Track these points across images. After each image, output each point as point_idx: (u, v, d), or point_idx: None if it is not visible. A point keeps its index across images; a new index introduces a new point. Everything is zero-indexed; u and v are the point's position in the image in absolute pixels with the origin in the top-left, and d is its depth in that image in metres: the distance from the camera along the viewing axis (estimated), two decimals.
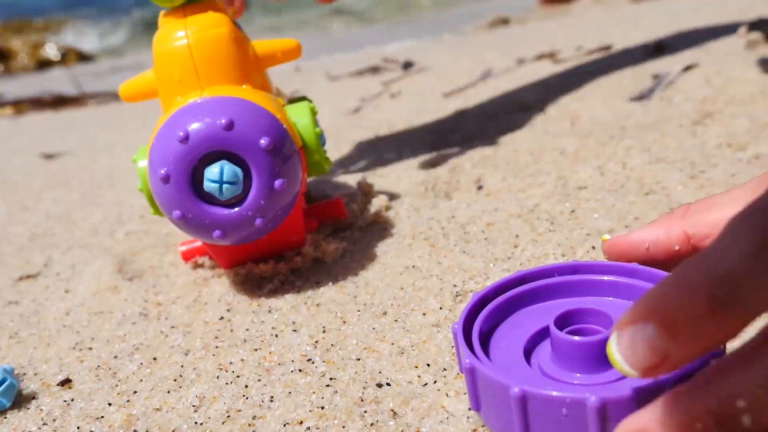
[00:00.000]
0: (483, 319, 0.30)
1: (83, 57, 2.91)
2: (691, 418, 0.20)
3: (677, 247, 0.30)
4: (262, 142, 0.40)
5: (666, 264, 0.31)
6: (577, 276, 0.32)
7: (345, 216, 0.52)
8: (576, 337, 0.27)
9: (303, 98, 0.54)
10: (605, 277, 0.31)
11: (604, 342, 0.26)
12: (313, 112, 0.46)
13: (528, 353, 0.29)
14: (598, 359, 0.27)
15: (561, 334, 0.27)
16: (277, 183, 0.41)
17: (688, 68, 0.77)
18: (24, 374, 0.41)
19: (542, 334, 0.30)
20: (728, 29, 0.95)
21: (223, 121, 0.40)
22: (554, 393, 0.24)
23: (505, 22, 1.81)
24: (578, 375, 0.27)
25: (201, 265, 0.52)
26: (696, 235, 0.30)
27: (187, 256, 0.52)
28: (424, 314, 0.40)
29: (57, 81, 2.08)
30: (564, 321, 0.28)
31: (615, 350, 0.21)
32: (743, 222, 0.20)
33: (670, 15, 1.26)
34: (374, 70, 1.22)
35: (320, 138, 0.46)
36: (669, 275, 0.20)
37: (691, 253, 0.30)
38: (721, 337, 0.19)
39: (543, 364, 0.28)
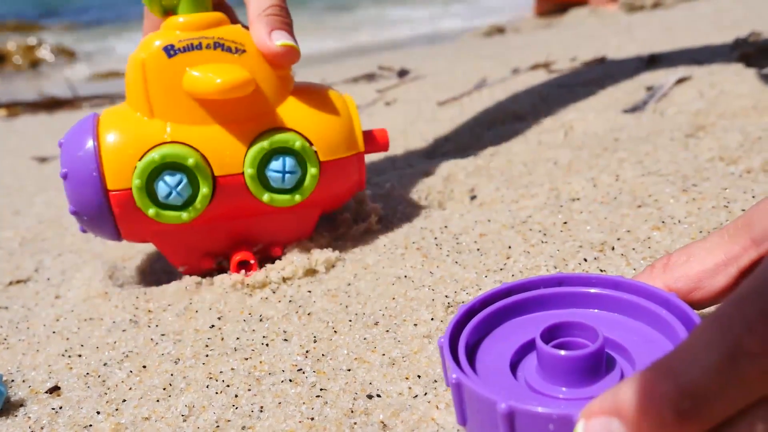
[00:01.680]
0: (469, 332, 0.30)
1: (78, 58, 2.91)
2: (660, 400, 0.21)
3: None
4: (63, 169, 0.47)
5: None
6: (563, 288, 0.32)
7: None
8: (562, 351, 0.27)
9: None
10: (590, 290, 0.31)
11: (590, 356, 0.26)
12: (155, 163, 0.46)
13: (514, 366, 0.29)
14: (584, 373, 0.27)
15: (547, 348, 0.27)
16: (70, 208, 0.48)
17: (681, 81, 0.77)
18: (12, 381, 0.41)
19: (528, 347, 0.30)
20: (722, 42, 0.96)
21: (62, 140, 0.48)
22: (541, 410, 0.24)
23: (500, 31, 1.82)
24: (564, 389, 0.27)
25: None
26: (680, 291, 0.30)
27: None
28: (415, 325, 0.40)
29: (51, 83, 2.07)
30: (550, 334, 0.28)
31: None
32: (713, 333, 0.21)
33: (664, 27, 1.27)
34: (369, 77, 1.23)
35: (161, 186, 0.46)
36: (639, 374, 0.21)
37: None
38: None
39: (529, 377, 0.28)
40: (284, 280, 0.48)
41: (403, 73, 1.20)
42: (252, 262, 0.49)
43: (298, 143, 0.47)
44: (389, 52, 1.80)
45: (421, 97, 0.99)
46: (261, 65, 0.48)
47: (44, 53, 2.95)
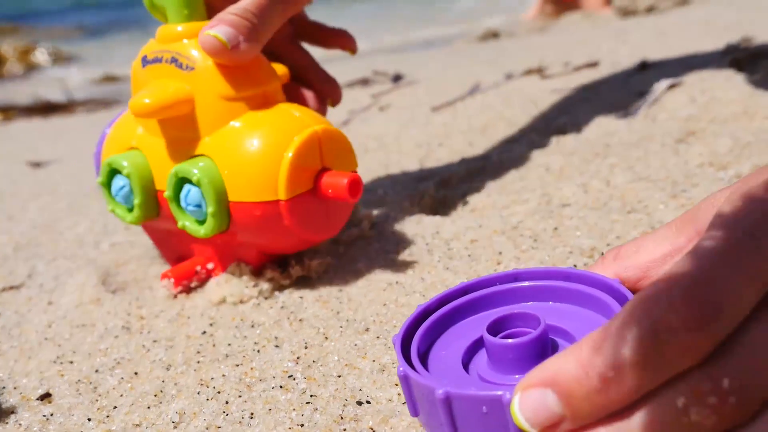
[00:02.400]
0: (424, 331, 0.31)
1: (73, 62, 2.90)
2: (591, 371, 0.23)
3: None
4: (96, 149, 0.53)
5: None
6: (517, 284, 0.33)
7: None
8: (509, 340, 0.27)
9: None
10: (543, 283, 0.32)
11: (533, 342, 0.27)
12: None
13: (468, 362, 0.30)
14: (531, 360, 0.27)
15: (493, 338, 0.28)
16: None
17: (673, 86, 0.78)
18: (3, 388, 0.41)
19: (480, 343, 0.30)
20: (714, 48, 0.97)
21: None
22: (473, 392, 0.25)
23: (495, 35, 1.82)
24: (516, 376, 0.27)
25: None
26: (628, 280, 0.31)
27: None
28: None
29: (46, 86, 2.07)
30: (497, 327, 0.29)
31: (518, 410, 0.23)
32: (640, 309, 0.22)
33: (657, 32, 1.28)
34: (364, 82, 1.23)
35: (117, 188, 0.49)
36: (572, 348, 0.23)
37: None
38: (614, 405, 0.23)
39: (481, 371, 0.29)
40: (278, 287, 0.48)
41: (397, 78, 1.20)
42: (172, 280, 0.48)
43: (195, 177, 0.43)
44: (384, 55, 1.80)
45: (414, 103, 1.00)
46: (204, 85, 0.44)
47: (40, 57, 2.95)
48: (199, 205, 0.44)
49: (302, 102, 0.53)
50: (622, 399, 0.22)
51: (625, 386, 0.22)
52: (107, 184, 0.49)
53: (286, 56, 0.54)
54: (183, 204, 0.45)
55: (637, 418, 0.22)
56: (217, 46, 0.43)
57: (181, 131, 0.46)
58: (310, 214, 0.44)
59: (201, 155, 0.45)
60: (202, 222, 0.45)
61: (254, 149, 0.43)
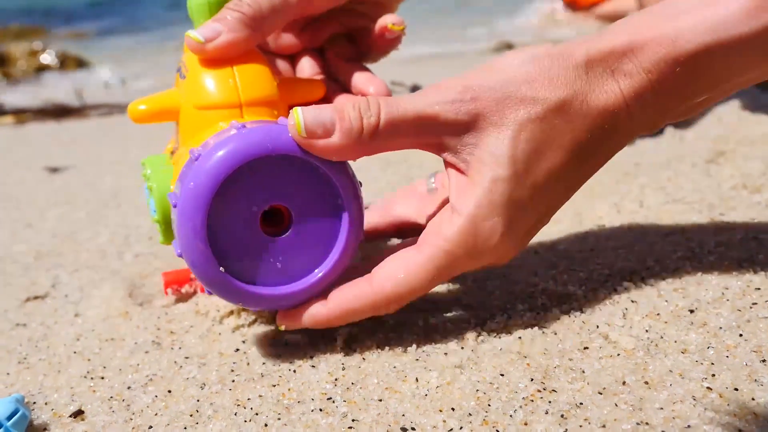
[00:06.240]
0: None
1: (82, 64, 2.90)
2: None
3: None
4: None
5: None
6: None
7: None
8: None
9: None
10: None
11: None
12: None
13: None
14: None
15: None
16: None
17: None
18: (34, 403, 0.40)
19: None
20: None
21: None
22: None
23: (509, 47, 1.82)
24: None
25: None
26: None
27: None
28: (446, 354, 0.40)
29: (57, 89, 2.07)
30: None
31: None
32: None
33: None
34: None
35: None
36: None
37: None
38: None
39: None
40: None
41: (415, 89, 1.20)
42: (172, 287, 0.50)
43: (149, 185, 0.42)
44: (399, 66, 1.80)
45: None
46: (186, 94, 0.43)
47: (49, 59, 2.94)
48: (154, 212, 0.43)
49: None
50: None
51: None
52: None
53: (344, 74, 0.52)
54: (150, 211, 0.44)
55: None
56: (193, 44, 0.42)
57: (178, 139, 0.46)
58: None
59: (175, 164, 0.44)
60: None
61: None
